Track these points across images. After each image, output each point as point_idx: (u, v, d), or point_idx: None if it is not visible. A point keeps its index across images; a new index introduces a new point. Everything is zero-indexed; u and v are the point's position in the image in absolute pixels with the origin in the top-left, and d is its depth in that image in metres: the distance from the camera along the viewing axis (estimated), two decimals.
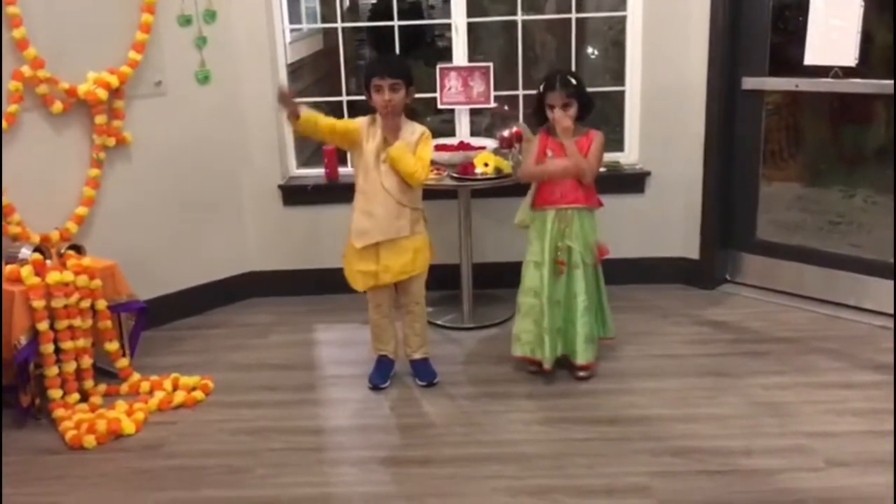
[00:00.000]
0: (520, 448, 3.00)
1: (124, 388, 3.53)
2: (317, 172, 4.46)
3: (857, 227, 4.31)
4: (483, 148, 3.97)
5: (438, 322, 4.09)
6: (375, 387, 3.48)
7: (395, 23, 4.34)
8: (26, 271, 3.24)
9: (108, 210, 3.92)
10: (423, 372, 3.52)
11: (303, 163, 4.57)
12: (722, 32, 4.05)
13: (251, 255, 4.47)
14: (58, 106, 3.67)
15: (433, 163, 3.71)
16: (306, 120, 3.21)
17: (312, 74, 5.66)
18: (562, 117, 3.26)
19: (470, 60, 4.34)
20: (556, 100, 3.27)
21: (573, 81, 3.29)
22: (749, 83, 4.17)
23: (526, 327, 3.47)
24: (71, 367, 3.35)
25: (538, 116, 3.39)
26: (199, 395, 3.46)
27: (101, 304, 3.45)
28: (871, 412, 3.13)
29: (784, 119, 4.55)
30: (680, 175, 4.31)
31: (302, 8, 5.69)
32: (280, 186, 4.39)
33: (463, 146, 4.07)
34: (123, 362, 3.58)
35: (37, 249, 3.43)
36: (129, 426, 3.20)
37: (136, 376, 3.57)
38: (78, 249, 3.51)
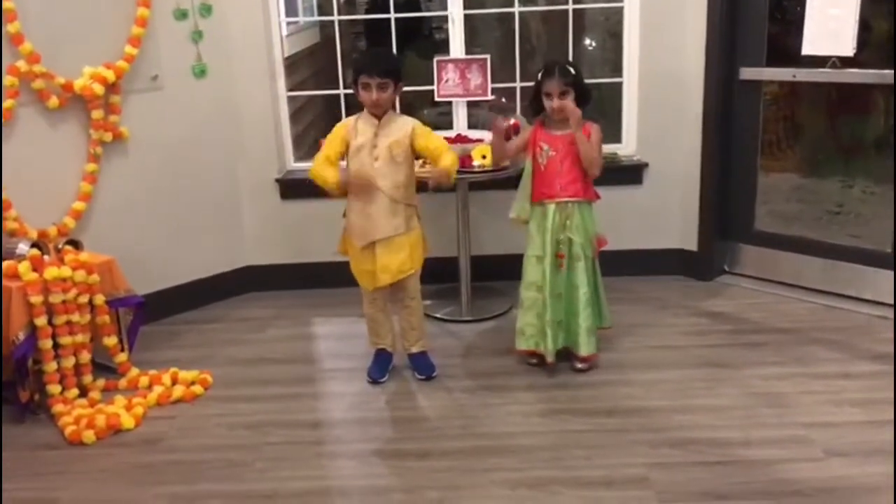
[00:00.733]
0: (518, 440, 3.00)
1: (123, 382, 3.54)
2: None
3: (855, 217, 4.31)
4: (481, 140, 3.96)
5: (436, 315, 4.09)
6: (374, 380, 3.48)
7: (392, 15, 4.32)
8: (24, 267, 3.24)
9: (106, 205, 3.92)
10: (422, 365, 3.52)
11: (300, 156, 4.56)
12: (719, 22, 4.04)
13: (249, 249, 4.47)
14: (54, 101, 3.66)
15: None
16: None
17: (309, 68, 5.65)
18: (560, 104, 3.25)
19: (467, 53, 4.33)
20: (554, 87, 3.26)
21: (571, 70, 3.29)
22: (747, 73, 4.16)
23: (529, 321, 3.46)
24: (69, 362, 3.35)
25: (535, 106, 3.38)
26: (197, 389, 3.46)
27: (99, 300, 3.45)
28: (870, 402, 3.13)
29: (782, 109, 4.55)
30: (678, 166, 4.30)
31: (298, 0, 5.67)
32: (277, 180, 4.38)
33: (460, 139, 4.06)
34: (122, 357, 3.59)
35: (34, 245, 3.43)
36: (128, 421, 3.21)
37: (134, 371, 3.57)
38: (75, 245, 3.51)
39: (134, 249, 3.89)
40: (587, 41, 5.36)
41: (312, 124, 5.24)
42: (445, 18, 4.32)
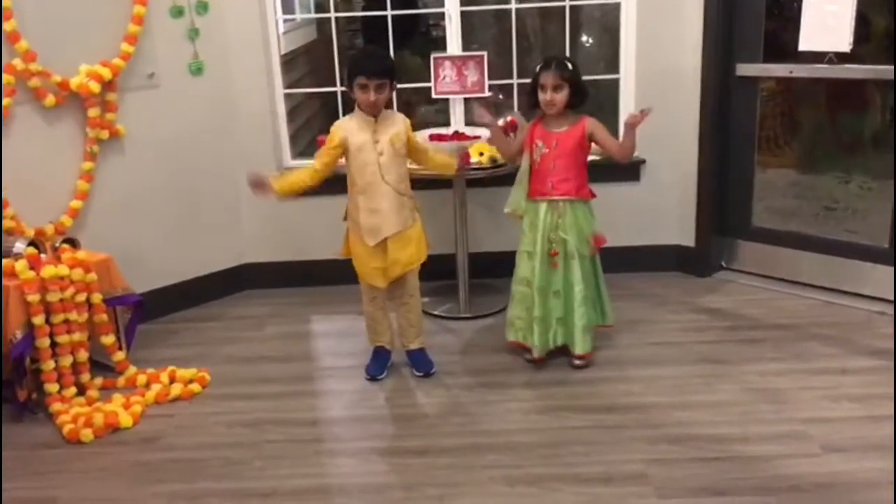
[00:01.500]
0: (517, 437, 3.01)
1: (121, 381, 3.53)
2: (311, 164, 4.42)
3: (852, 213, 4.31)
4: (478, 137, 3.96)
5: (435, 312, 4.09)
6: (372, 378, 3.48)
7: (389, 12, 4.32)
8: (21, 265, 3.23)
9: (103, 203, 3.91)
10: (420, 362, 3.52)
11: (297, 154, 4.55)
12: (716, 18, 4.04)
13: (246, 247, 4.47)
14: (50, 99, 3.65)
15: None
16: (282, 189, 3.28)
17: (306, 65, 5.64)
18: (552, 98, 3.27)
19: (464, 50, 4.33)
20: (549, 79, 3.27)
21: (569, 66, 3.29)
22: (743, 69, 4.16)
23: (518, 314, 3.49)
24: (67, 360, 3.35)
25: (533, 99, 3.38)
26: (195, 387, 3.46)
27: (97, 298, 3.45)
28: (868, 398, 3.14)
29: (779, 105, 4.54)
30: (675, 162, 4.30)
31: None
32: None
33: (458, 136, 4.06)
34: (120, 356, 3.58)
35: (31, 244, 3.42)
36: (126, 419, 3.20)
37: (132, 369, 3.57)
38: (72, 243, 3.50)
39: (131, 247, 3.88)
40: (584, 38, 5.36)
41: (309, 122, 5.23)
42: (442, 15, 4.31)
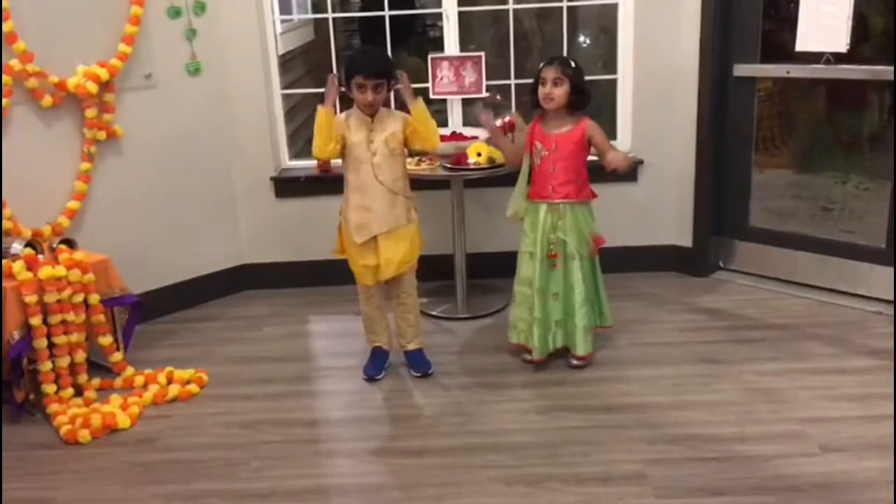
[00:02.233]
0: (515, 437, 3.01)
1: (118, 382, 3.53)
2: (309, 164, 4.44)
3: (849, 213, 4.32)
4: (475, 138, 3.96)
5: (432, 312, 4.09)
6: (370, 378, 3.48)
7: (387, 13, 4.32)
8: (18, 266, 3.23)
9: (100, 204, 3.91)
10: (418, 362, 3.52)
11: (295, 154, 4.55)
12: (713, 19, 4.05)
13: (244, 247, 4.47)
14: (47, 100, 3.65)
15: (425, 154, 3.72)
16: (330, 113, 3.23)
17: (304, 65, 5.64)
18: (550, 91, 3.26)
19: (461, 50, 4.33)
20: (550, 73, 3.27)
21: (571, 63, 3.30)
22: (741, 70, 4.17)
23: (521, 316, 3.48)
24: (64, 361, 3.34)
25: (534, 98, 3.38)
26: (193, 388, 3.45)
27: (94, 299, 3.44)
28: (865, 397, 3.14)
29: (776, 106, 4.55)
30: (672, 163, 4.31)
31: None
32: (272, 178, 4.38)
33: (455, 136, 4.06)
34: (117, 356, 3.58)
35: (28, 244, 3.42)
36: (123, 420, 3.20)
37: (130, 370, 3.57)
38: (70, 244, 3.50)
39: (129, 248, 3.88)
40: (581, 38, 5.36)
41: (307, 122, 5.21)
42: (440, 16, 4.32)
